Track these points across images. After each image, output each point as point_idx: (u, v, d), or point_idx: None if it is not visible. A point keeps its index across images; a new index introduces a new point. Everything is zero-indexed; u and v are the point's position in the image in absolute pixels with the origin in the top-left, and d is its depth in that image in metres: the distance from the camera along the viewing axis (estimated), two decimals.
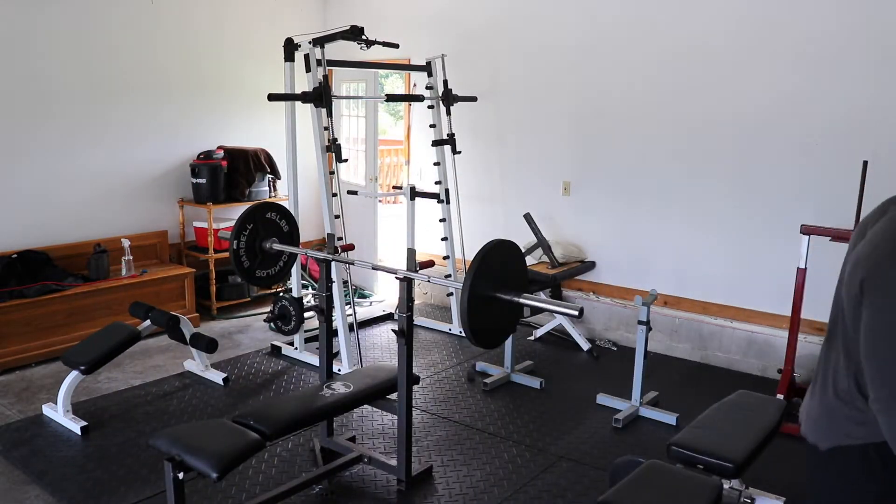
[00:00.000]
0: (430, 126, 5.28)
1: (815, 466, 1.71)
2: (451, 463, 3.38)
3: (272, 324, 4.89)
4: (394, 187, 7.04)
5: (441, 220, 5.31)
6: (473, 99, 5.36)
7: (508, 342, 4.30)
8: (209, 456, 2.38)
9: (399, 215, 7.05)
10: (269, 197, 6.04)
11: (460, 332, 5.18)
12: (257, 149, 6.02)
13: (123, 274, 5.04)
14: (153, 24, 5.43)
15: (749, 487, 2.98)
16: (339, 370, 4.37)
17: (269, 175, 6.07)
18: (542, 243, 5.03)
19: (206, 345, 4.13)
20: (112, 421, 3.75)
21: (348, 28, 4.24)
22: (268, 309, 5.03)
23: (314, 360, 4.46)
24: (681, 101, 4.68)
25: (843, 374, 1.63)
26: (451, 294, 5.62)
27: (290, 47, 4.44)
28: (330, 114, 4.36)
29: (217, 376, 4.28)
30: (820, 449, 1.66)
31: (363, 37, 4.30)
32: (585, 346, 4.90)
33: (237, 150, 5.87)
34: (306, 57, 4.33)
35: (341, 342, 4.48)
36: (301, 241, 3.68)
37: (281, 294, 4.41)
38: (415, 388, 3.85)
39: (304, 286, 6.03)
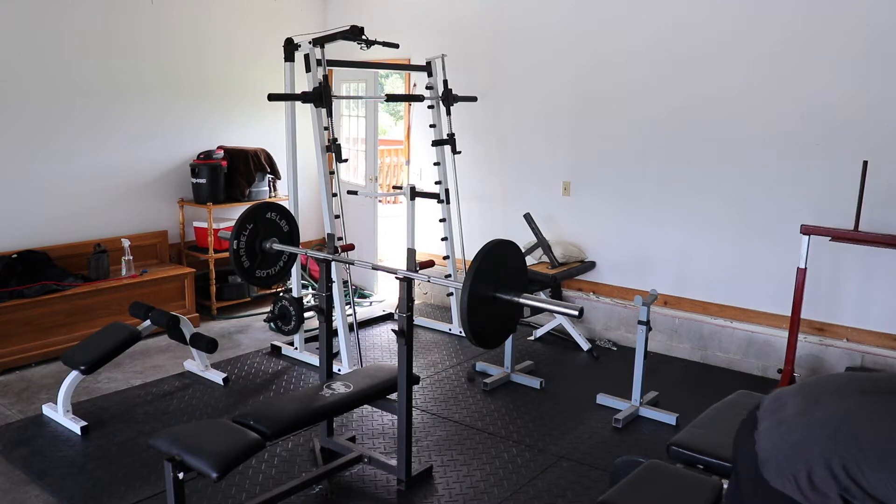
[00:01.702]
0: (430, 126, 5.28)
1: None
2: (451, 463, 3.38)
3: (272, 324, 4.90)
4: (394, 187, 7.04)
5: (441, 220, 5.30)
6: (473, 99, 5.37)
7: (508, 342, 4.30)
8: (209, 456, 2.38)
9: (399, 215, 7.06)
10: (269, 197, 6.04)
11: (460, 332, 5.19)
12: (257, 149, 6.02)
13: (123, 274, 5.04)
14: (153, 26, 5.43)
15: None
16: (339, 370, 4.37)
17: (269, 175, 6.07)
18: (542, 243, 5.03)
19: (206, 345, 4.13)
20: (112, 421, 3.75)
21: (348, 28, 4.24)
22: (268, 309, 5.03)
23: (314, 360, 4.46)
24: (682, 100, 4.68)
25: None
26: (451, 294, 5.62)
27: (290, 47, 4.44)
28: (330, 114, 4.36)
29: (217, 376, 4.28)
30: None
31: (363, 37, 4.30)
32: (585, 346, 4.90)
33: (237, 150, 5.87)
34: (306, 57, 4.33)
35: (341, 342, 4.48)
36: (301, 241, 3.68)
37: (281, 294, 4.41)
38: (415, 388, 3.85)
39: (304, 286, 6.03)
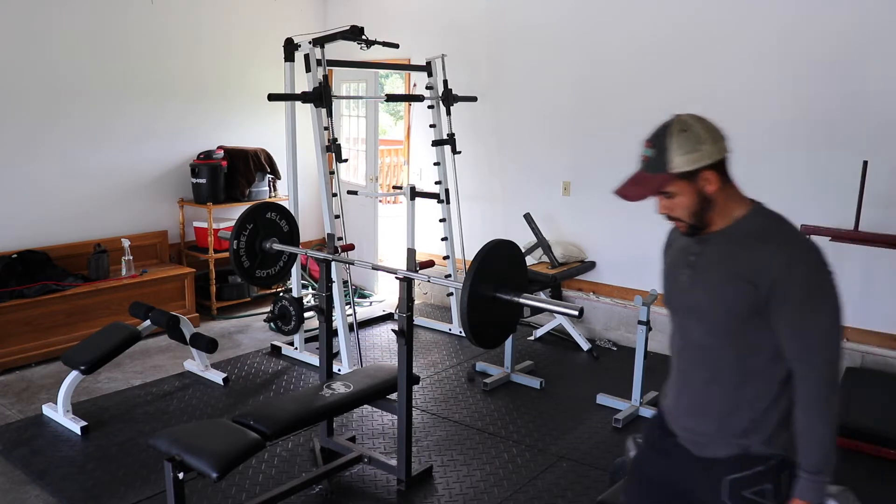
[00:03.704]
0: (430, 126, 5.28)
1: None
2: (451, 463, 3.38)
3: (272, 324, 4.89)
4: (394, 187, 7.04)
5: (441, 220, 5.30)
6: (473, 99, 5.36)
7: (508, 342, 4.30)
8: (209, 456, 2.38)
9: (399, 215, 7.05)
10: (269, 197, 6.04)
11: (460, 332, 5.18)
12: (257, 149, 6.02)
13: (123, 274, 5.04)
14: (153, 25, 5.43)
15: None
16: (339, 370, 4.37)
17: (269, 175, 6.07)
18: (542, 243, 5.03)
19: (206, 345, 4.13)
20: (112, 421, 3.75)
21: (348, 28, 4.25)
22: (268, 309, 5.03)
23: (314, 360, 4.46)
24: (682, 100, 4.67)
25: None
26: (451, 294, 5.62)
27: (290, 47, 4.44)
28: (330, 114, 4.36)
29: (217, 376, 4.28)
30: None
31: (363, 37, 4.30)
32: (585, 346, 4.90)
33: (237, 150, 5.87)
34: (306, 57, 4.33)
35: (341, 342, 4.48)
36: (301, 241, 3.68)
37: (281, 294, 4.40)
38: (415, 388, 3.85)
39: (304, 286, 6.03)
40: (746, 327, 1.58)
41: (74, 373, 3.67)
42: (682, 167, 1.57)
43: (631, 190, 1.64)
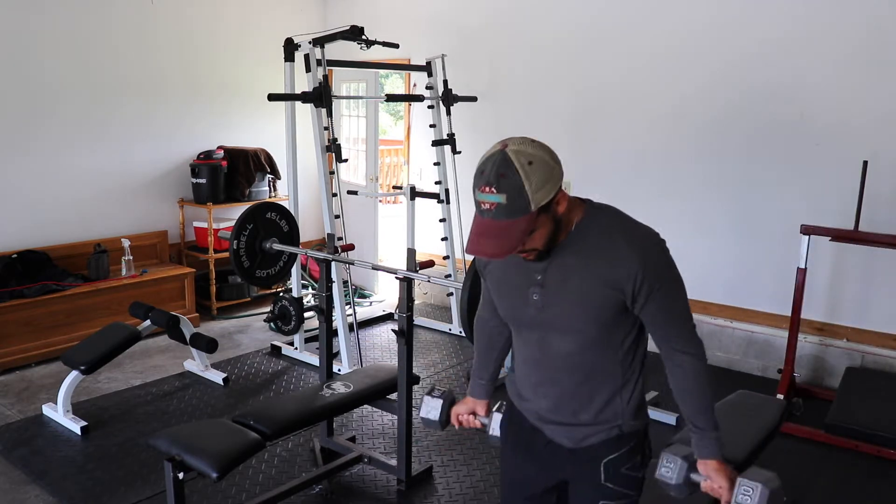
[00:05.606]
0: (430, 126, 5.28)
1: None
2: (451, 463, 3.38)
3: (272, 324, 4.89)
4: (394, 187, 7.03)
5: (441, 220, 5.30)
6: (473, 99, 5.36)
7: None
8: (209, 456, 2.38)
9: (399, 215, 7.05)
10: (269, 197, 6.04)
11: (460, 332, 5.18)
12: (257, 149, 6.02)
13: (123, 274, 5.04)
14: (153, 24, 5.43)
15: None
16: (339, 370, 4.37)
17: (269, 175, 6.07)
18: None
19: (206, 345, 4.13)
20: (112, 421, 3.75)
21: (348, 28, 4.25)
22: (268, 309, 5.03)
23: (314, 360, 4.46)
24: (681, 99, 4.68)
25: None
26: (451, 294, 5.62)
27: (290, 47, 4.44)
28: (330, 114, 4.36)
29: (217, 376, 4.28)
30: None
31: (363, 37, 4.30)
32: None
33: (237, 150, 5.87)
34: (306, 57, 4.33)
35: (341, 342, 4.48)
36: (301, 241, 3.68)
37: (281, 294, 4.41)
38: (415, 388, 3.85)
39: (304, 286, 6.03)
40: (610, 327, 1.59)
41: (74, 373, 3.67)
42: (541, 202, 1.44)
43: (494, 245, 1.46)
